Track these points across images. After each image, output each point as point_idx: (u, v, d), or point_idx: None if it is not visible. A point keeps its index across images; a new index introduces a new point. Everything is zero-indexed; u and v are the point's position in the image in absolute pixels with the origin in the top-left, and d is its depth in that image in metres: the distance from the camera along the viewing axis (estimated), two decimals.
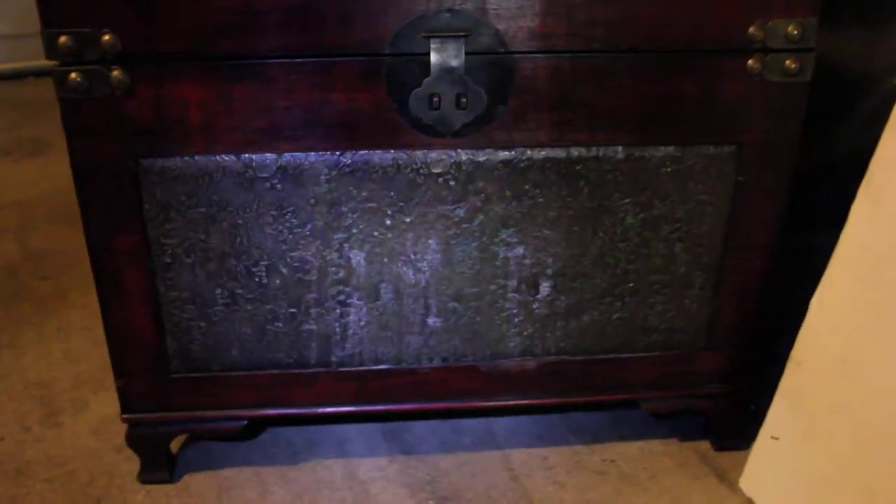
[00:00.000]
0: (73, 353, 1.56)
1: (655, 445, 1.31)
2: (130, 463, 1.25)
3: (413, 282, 1.11)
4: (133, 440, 1.21)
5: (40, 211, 2.21)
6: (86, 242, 1.07)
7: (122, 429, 1.22)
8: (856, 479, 1.04)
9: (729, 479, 1.23)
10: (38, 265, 1.92)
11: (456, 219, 1.08)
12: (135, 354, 1.13)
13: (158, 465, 1.22)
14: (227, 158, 1.04)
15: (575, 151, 1.06)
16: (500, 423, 1.35)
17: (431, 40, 0.99)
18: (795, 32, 1.02)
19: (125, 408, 1.18)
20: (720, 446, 1.29)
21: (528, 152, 1.06)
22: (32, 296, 1.78)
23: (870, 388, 1.02)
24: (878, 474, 1.02)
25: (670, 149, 1.07)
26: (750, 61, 1.03)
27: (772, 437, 1.16)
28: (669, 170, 1.08)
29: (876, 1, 1.52)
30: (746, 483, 1.21)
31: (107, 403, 1.41)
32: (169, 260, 1.08)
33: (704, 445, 1.30)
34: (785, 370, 1.14)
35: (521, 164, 1.06)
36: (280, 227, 1.07)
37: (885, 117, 1.01)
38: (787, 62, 1.03)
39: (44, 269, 1.90)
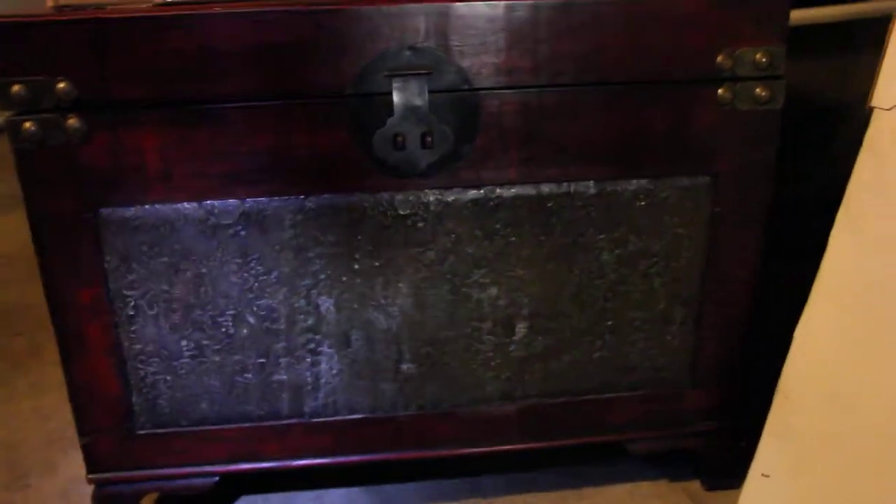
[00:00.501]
0: (44, 410, 1.52)
1: (645, 487, 1.26)
2: None
3: (385, 327, 1.08)
4: (100, 501, 1.16)
5: (15, 266, 2.17)
6: (45, 297, 1.04)
7: (91, 490, 1.17)
8: None
9: None
10: (12, 321, 1.88)
11: (426, 261, 1.05)
12: (99, 411, 1.09)
13: None
14: (188, 206, 1.01)
15: (545, 188, 1.03)
16: (484, 470, 1.30)
17: (394, 79, 0.97)
18: (764, 60, 1.00)
19: (91, 467, 1.13)
20: (711, 486, 1.24)
21: (498, 190, 1.03)
22: (5, 352, 1.74)
23: (859, 419, 0.99)
24: None
25: (643, 182, 1.04)
26: (720, 90, 1.01)
27: (762, 475, 1.11)
28: (643, 203, 1.05)
29: (846, 31, 1.51)
30: None
31: (77, 463, 1.35)
32: (132, 312, 1.05)
33: (695, 485, 1.26)
34: (772, 404, 1.10)
35: (491, 203, 1.03)
36: (245, 275, 1.04)
37: (860, 144, 0.99)
38: (758, 90, 1.01)
39: (18, 325, 1.86)
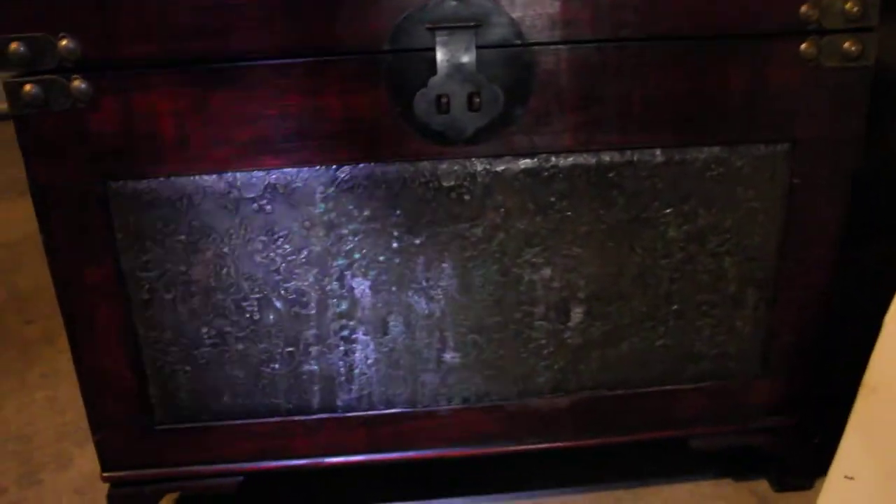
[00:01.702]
0: (58, 401, 1.43)
1: (707, 487, 1.16)
2: None
3: (426, 312, 0.97)
4: (115, 501, 1.07)
5: (29, 251, 2.08)
6: (51, 277, 0.94)
7: (107, 487, 1.08)
8: None
9: None
10: (24, 308, 1.79)
11: (473, 239, 0.94)
12: (113, 404, 1.00)
13: None
14: (207, 178, 0.91)
15: (606, 156, 0.92)
16: (531, 469, 1.19)
17: (437, 33, 0.86)
18: (855, 9, 0.88)
19: (105, 465, 1.04)
20: (781, 486, 1.13)
21: (553, 159, 0.92)
22: (17, 340, 1.65)
23: None
24: None
25: (715, 149, 0.93)
26: (803, 45, 0.90)
27: (846, 477, 1.00)
28: (715, 174, 0.94)
29: None
30: None
31: (92, 458, 1.25)
32: (147, 296, 0.95)
33: (762, 486, 1.15)
34: (856, 399, 0.98)
35: (546, 174, 0.92)
36: (271, 255, 0.94)
37: None
38: (846, 44, 0.90)
39: (31, 312, 1.77)
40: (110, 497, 1.07)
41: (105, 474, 1.05)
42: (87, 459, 1.28)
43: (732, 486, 1.16)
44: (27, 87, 0.85)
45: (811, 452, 1.11)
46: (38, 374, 1.52)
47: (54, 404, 1.42)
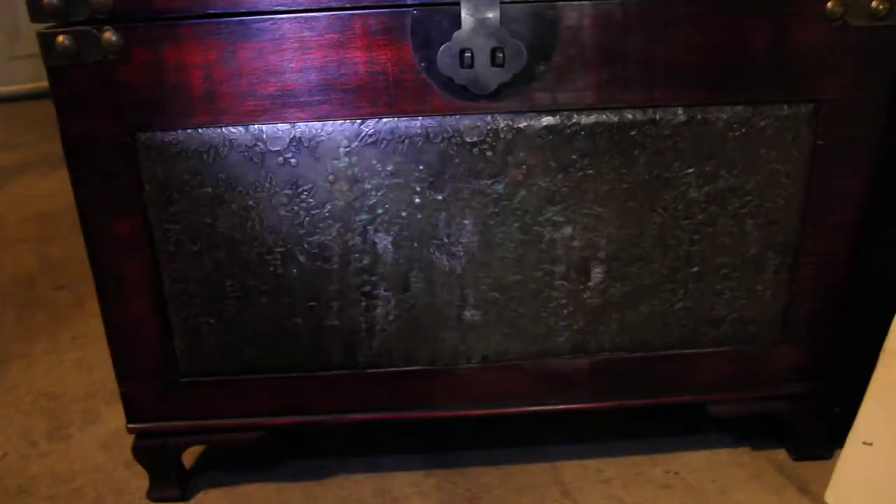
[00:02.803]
0: (86, 362, 1.46)
1: (724, 455, 1.15)
2: (141, 479, 1.13)
3: (447, 269, 0.98)
4: (140, 452, 1.09)
5: (62, 221, 2.12)
6: (81, 228, 0.96)
7: (131, 442, 1.10)
8: None
9: (812, 492, 1.08)
10: (56, 275, 1.83)
11: (494, 195, 0.95)
12: (139, 355, 1.02)
13: (169, 480, 1.10)
14: (234, 130, 0.92)
15: (629, 115, 0.93)
16: (550, 432, 1.20)
17: None
18: None
19: (131, 416, 1.06)
20: (800, 455, 1.13)
21: (576, 117, 0.92)
22: (48, 305, 1.68)
23: None
24: None
25: (738, 109, 0.93)
26: (829, 3, 0.89)
27: (864, 443, 1.00)
28: (737, 134, 0.94)
29: None
30: (834, 496, 1.05)
31: (119, 415, 1.28)
32: (173, 248, 0.97)
33: (781, 454, 1.15)
34: (877, 364, 0.98)
35: (568, 131, 0.93)
36: (295, 209, 0.95)
37: None
38: (874, 3, 0.89)
39: (62, 278, 1.81)
40: (135, 448, 1.09)
41: (130, 426, 1.07)
42: (113, 416, 1.30)
43: (750, 455, 1.15)
44: (60, 39, 0.87)
45: (831, 421, 1.10)
46: (69, 336, 1.55)
47: (83, 364, 1.45)
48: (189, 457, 1.18)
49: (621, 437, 1.19)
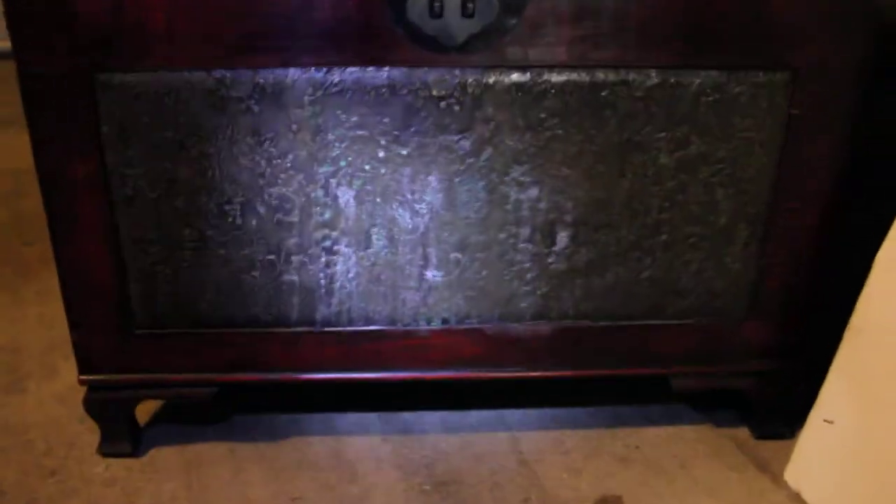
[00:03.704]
0: (48, 317, 1.43)
1: (687, 431, 1.14)
2: (94, 434, 1.11)
3: (410, 227, 0.96)
4: (91, 405, 1.07)
5: (34, 179, 2.08)
6: (35, 169, 0.93)
7: None
8: None
9: (772, 471, 1.07)
10: (25, 230, 1.79)
11: (460, 152, 0.93)
12: (93, 304, 1.00)
13: (121, 435, 1.08)
14: (196, 74, 0.89)
15: (600, 74, 0.91)
16: (511, 401, 1.18)
17: None
18: None
19: (83, 368, 1.04)
20: (761, 433, 1.12)
21: (546, 74, 0.90)
22: (15, 260, 1.65)
23: None
24: None
25: (712, 73, 0.91)
26: None
27: (825, 421, 0.99)
28: (711, 99, 0.92)
29: None
30: (793, 475, 1.04)
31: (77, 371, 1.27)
32: (130, 193, 0.94)
33: (743, 432, 1.14)
34: (842, 341, 0.97)
35: (538, 89, 0.91)
36: (257, 158, 0.93)
37: None
38: None
39: (31, 234, 1.77)
40: (87, 401, 1.07)
41: (82, 377, 1.05)
42: (72, 372, 1.26)
43: (713, 432, 1.14)
44: None
45: (794, 400, 1.09)
46: (33, 291, 1.52)
47: (45, 319, 1.42)
48: (144, 414, 1.15)
49: (586, 410, 1.17)
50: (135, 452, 1.09)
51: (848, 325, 0.96)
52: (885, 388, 0.92)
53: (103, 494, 1.03)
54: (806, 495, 1.02)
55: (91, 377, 1.04)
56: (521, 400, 1.18)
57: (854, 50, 0.91)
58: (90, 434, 1.12)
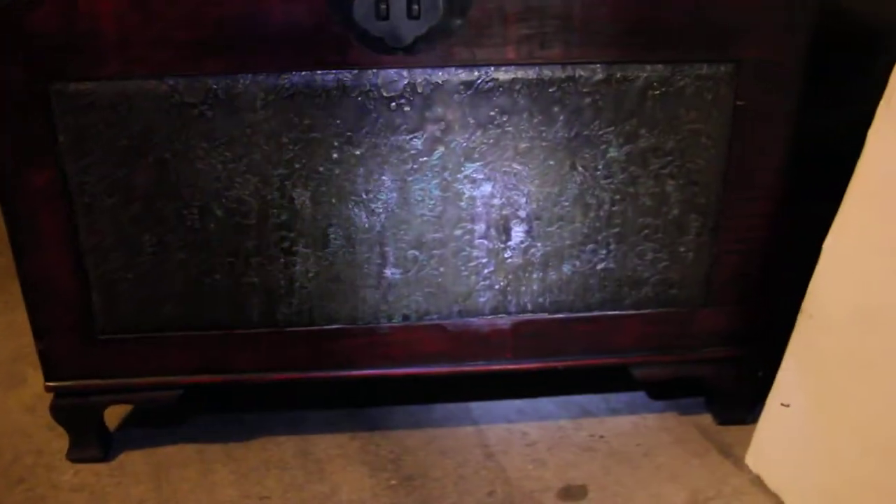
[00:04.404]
0: (16, 326, 1.43)
1: (651, 420, 1.16)
2: (63, 441, 1.12)
3: (366, 226, 0.98)
4: (59, 412, 1.07)
5: None
6: None
7: None
8: (881, 445, 0.89)
9: (734, 455, 1.09)
10: None
11: (412, 151, 0.94)
12: (56, 311, 1.00)
13: (89, 440, 1.09)
14: (149, 81, 0.90)
15: (547, 71, 0.92)
16: (476, 394, 1.20)
17: None
18: None
19: (49, 374, 1.05)
20: (723, 419, 1.14)
21: (494, 72, 0.92)
22: None
23: (893, 336, 0.87)
24: None
25: (657, 67, 0.93)
26: None
27: (781, 404, 1.01)
28: (657, 93, 0.94)
29: None
30: (753, 458, 1.06)
31: None
32: (88, 200, 0.95)
33: (706, 419, 1.16)
34: (795, 326, 0.99)
35: (486, 87, 0.92)
36: (212, 162, 0.94)
37: None
38: None
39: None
40: (54, 408, 1.07)
41: (48, 384, 1.05)
42: (39, 380, 1.27)
43: (676, 419, 1.16)
44: None
45: (754, 385, 1.11)
46: (1, 301, 1.52)
47: (13, 328, 1.43)
48: (114, 418, 1.16)
49: (549, 403, 1.19)
50: (104, 457, 1.10)
51: (800, 311, 0.98)
52: (836, 370, 0.94)
53: (72, 500, 1.04)
54: (766, 478, 1.04)
55: (57, 384, 1.05)
56: (486, 392, 1.20)
57: (796, 43, 0.92)
58: (59, 441, 1.13)
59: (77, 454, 1.10)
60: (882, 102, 0.88)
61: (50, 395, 1.07)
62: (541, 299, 1.03)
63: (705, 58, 0.93)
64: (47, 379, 1.05)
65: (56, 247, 0.97)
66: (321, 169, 0.95)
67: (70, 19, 0.87)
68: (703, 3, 0.90)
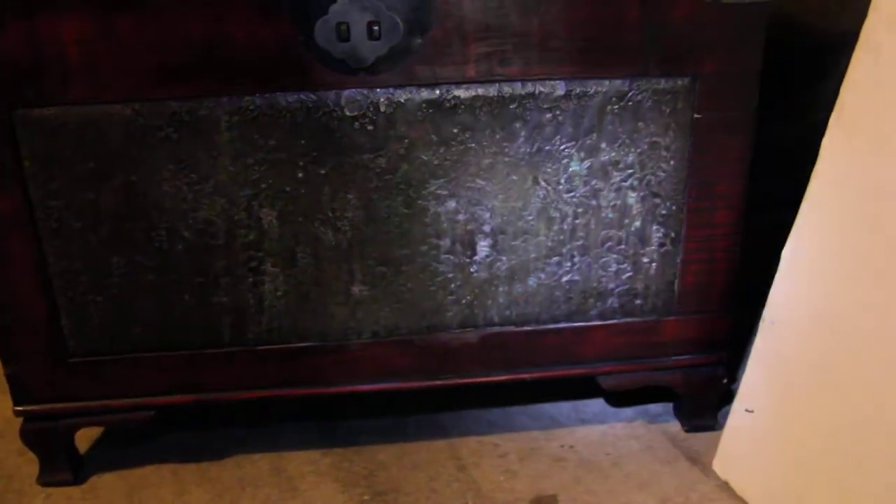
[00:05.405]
0: None
1: (620, 429, 1.17)
2: (33, 466, 1.12)
3: (333, 244, 0.99)
4: (28, 436, 1.07)
5: None
6: None
7: None
8: (844, 447, 0.91)
9: (702, 462, 1.10)
10: None
11: (377, 169, 0.96)
12: (25, 335, 1.01)
13: (60, 464, 1.09)
14: (114, 106, 0.91)
15: (507, 88, 0.94)
16: (447, 406, 1.21)
17: None
18: None
19: (18, 399, 1.05)
20: (691, 426, 1.15)
21: (455, 90, 0.93)
22: None
23: (851, 341, 0.89)
24: (867, 439, 0.88)
25: (616, 83, 0.95)
26: None
27: (746, 410, 1.02)
28: (616, 108, 0.96)
29: None
30: (720, 464, 1.08)
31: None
32: (56, 225, 0.96)
33: (675, 427, 1.17)
34: (757, 332, 1.01)
35: (448, 105, 0.94)
36: (179, 184, 0.95)
37: None
38: None
39: None
40: (23, 432, 1.07)
41: (17, 408, 1.05)
42: (8, 405, 1.27)
43: (645, 428, 1.17)
44: None
45: (721, 393, 1.13)
46: None
47: None
48: (86, 439, 1.16)
49: (520, 415, 1.20)
50: (76, 480, 1.10)
51: (762, 317, 1.00)
52: (798, 375, 0.96)
53: None
54: (733, 483, 1.06)
55: (26, 408, 1.05)
56: (457, 405, 1.21)
57: (751, 56, 0.95)
58: (29, 466, 1.13)
59: (48, 478, 1.10)
60: (834, 113, 0.91)
61: (19, 420, 1.07)
62: (507, 312, 1.04)
63: (662, 72, 0.95)
64: (16, 403, 1.05)
65: (24, 271, 0.97)
66: (287, 188, 0.96)
67: (34, 46, 0.88)
68: (659, 18, 0.92)
